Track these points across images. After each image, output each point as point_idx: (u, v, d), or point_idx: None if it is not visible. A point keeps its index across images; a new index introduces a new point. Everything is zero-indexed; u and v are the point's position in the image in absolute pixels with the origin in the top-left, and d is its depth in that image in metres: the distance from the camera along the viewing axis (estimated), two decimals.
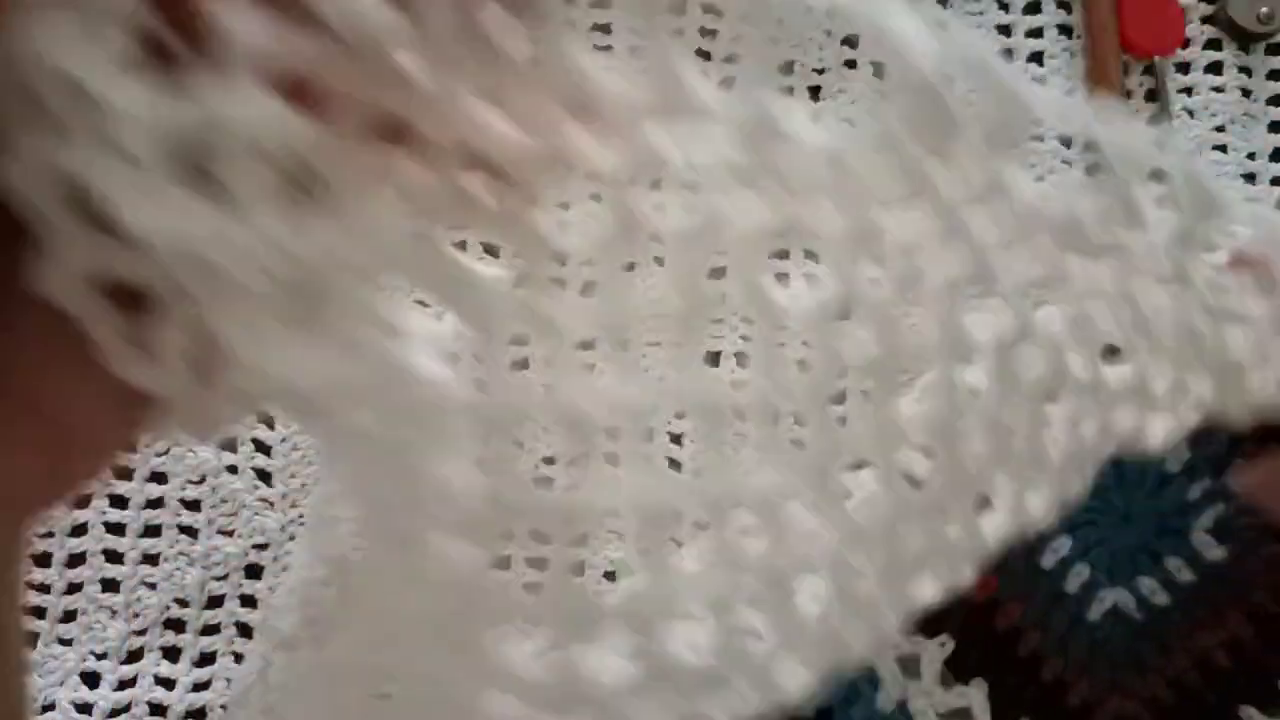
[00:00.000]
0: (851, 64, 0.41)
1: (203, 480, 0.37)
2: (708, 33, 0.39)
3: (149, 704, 0.35)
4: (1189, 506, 0.36)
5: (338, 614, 0.27)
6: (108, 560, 0.36)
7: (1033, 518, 0.22)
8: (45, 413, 0.19)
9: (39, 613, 0.36)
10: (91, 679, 0.35)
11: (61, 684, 0.35)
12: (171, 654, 0.35)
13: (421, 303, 0.18)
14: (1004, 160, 0.19)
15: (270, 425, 0.37)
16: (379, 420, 0.17)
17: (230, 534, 0.37)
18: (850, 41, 0.41)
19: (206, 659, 0.36)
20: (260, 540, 0.37)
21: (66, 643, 0.36)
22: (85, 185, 0.15)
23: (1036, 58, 0.42)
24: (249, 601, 0.36)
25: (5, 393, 0.18)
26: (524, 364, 0.19)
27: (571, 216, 0.18)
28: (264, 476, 0.37)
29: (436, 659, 0.20)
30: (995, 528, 0.22)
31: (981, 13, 0.42)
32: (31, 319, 0.18)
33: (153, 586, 0.35)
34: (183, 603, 0.36)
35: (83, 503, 0.37)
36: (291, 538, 0.37)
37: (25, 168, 0.15)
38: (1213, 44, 0.42)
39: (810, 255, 0.23)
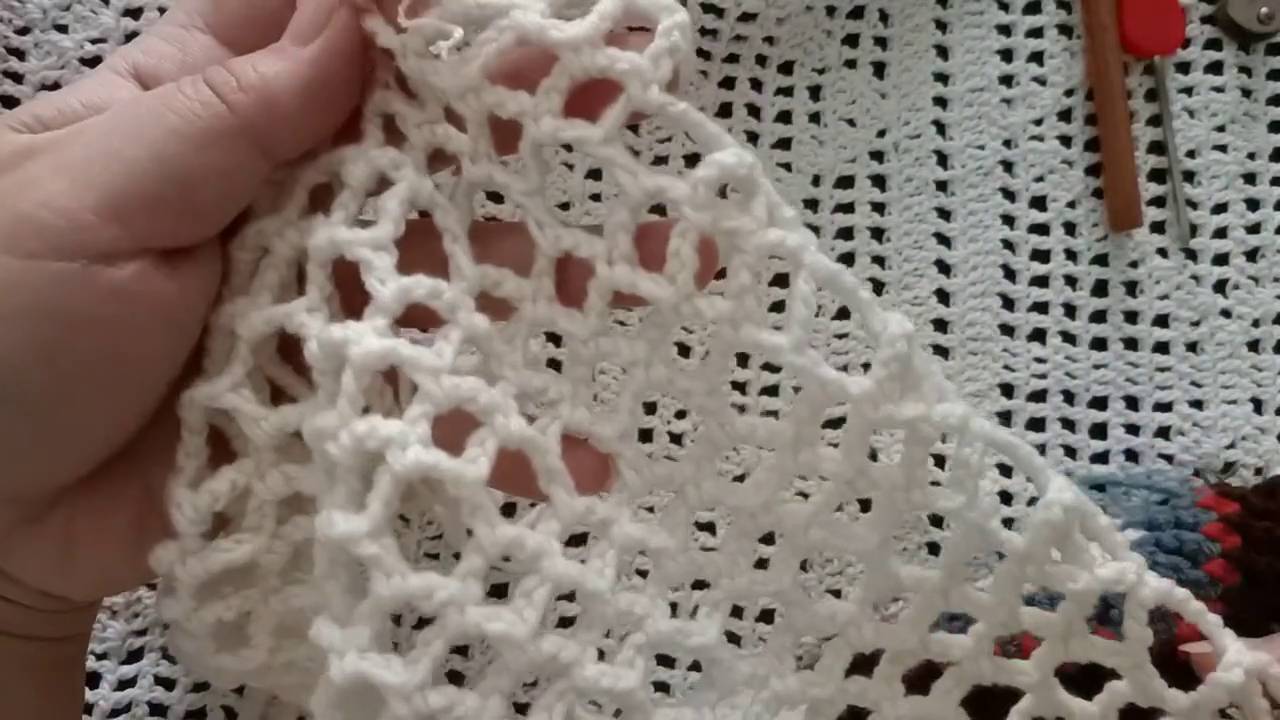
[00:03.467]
0: (851, 64, 0.41)
1: None
2: (708, 33, 0.39)
3: (149, 704, 0.35)
4: None
5: None
6: None
7: None
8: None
9: None
10: (91, 679, 0.35)
11: None
12: (171, 654, 0.35)
13: None
14: None
15: None
16: None
17: None
18: (850, 41, 0.41)
19: None
20: None
21: None
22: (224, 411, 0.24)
23: (1036, 58, 0.42)
24: None
25: (157, 502, 0.24)
26: None
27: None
28: None
29: None
30: None
31: (981, 13, 0.42)
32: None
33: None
34: None
35: None
36: None
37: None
38: (1213, 44, 0.42)
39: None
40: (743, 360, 0.38)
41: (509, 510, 0.34)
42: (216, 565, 0.23)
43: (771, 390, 0.38)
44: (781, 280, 0.38)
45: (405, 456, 0.21)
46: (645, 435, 0.38)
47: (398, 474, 0.21)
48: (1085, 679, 0.26)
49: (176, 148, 0.22)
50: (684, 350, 0.38)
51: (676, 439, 0.37)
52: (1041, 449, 0.39)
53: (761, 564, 0.26)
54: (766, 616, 0.37)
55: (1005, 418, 0.39)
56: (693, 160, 0.39)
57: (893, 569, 0.25)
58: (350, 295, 0.23)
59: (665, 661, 0.36)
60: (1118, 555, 0.25)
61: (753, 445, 0.25)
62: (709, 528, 0.37)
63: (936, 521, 0.37)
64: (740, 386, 0.38)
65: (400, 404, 0.23)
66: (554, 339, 0.37)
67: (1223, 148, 0.41)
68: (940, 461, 0.36)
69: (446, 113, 0.24)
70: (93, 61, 0.38)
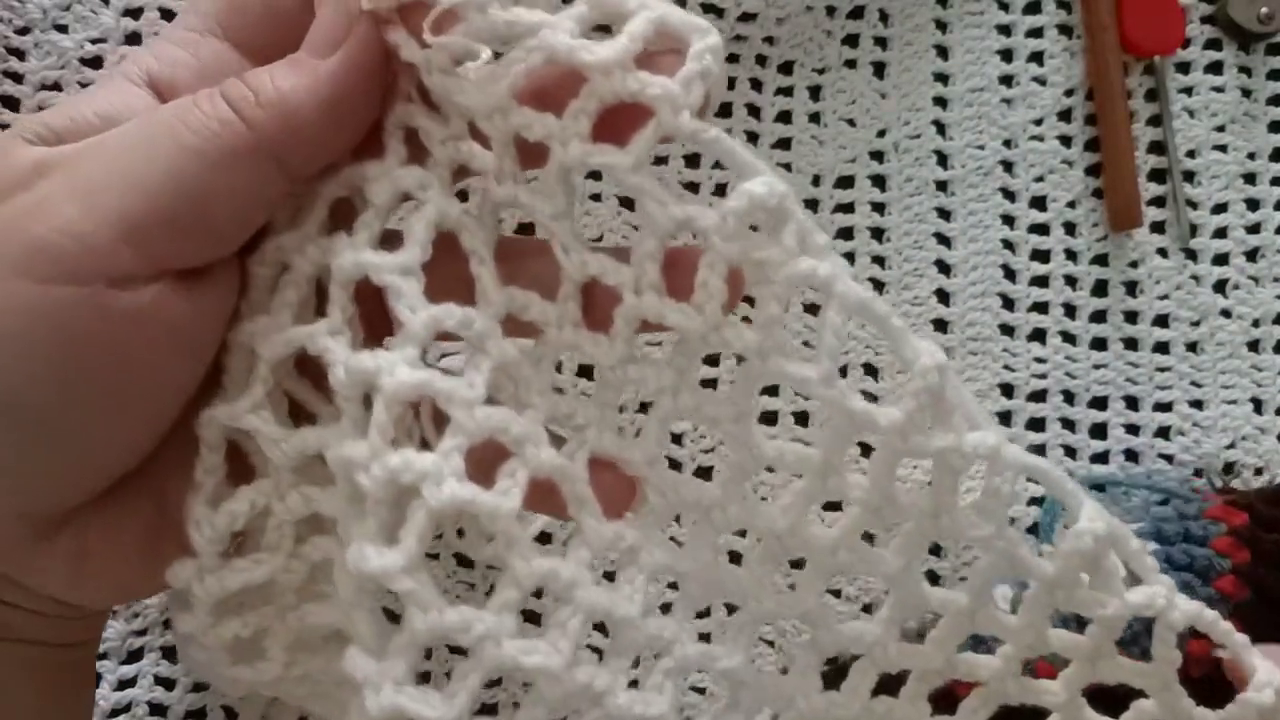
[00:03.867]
0: (851, 64, 0.41)
1: None
2: None
3: (149, 704, 0.35)
4: None
5: None
6: None
7: None
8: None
9: None
10: None
11: None
12: (171, 654, 0.35)
13: None
14: None
15: None
16: None
17: None
18: (850, 41, 0.41)
19: None
20: None
21: None
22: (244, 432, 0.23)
23: (1036, 58, 0.42)
24: None
25: (171, 513, 0.24)
26: None
27: None
28: None
29: None
30: None
31: (981, 13, 0.42)
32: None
33: None
34: None
35: None
36: None
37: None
38: (1213, 44, 0.42)
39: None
40: (772, 389, 0.38)
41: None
42: (234, 584, 0.23)
43: (802, 418, 0.38)
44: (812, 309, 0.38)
45: (440, 492, 0.21)
46: (673, 465, 0.38)
47: (433, 510, 0.21)
48: (1102, 695, 0.26)
49: (193, 168, 0.21)
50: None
51: (677, 439, 0.37)
52: (1041, 449, 0.39)
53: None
54: None
55: (1005, 418, 0.39)
56: (721, 188, 0.39)
57: (921, 591, 0.25)
58: (370, 313, 0.23)
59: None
60: (1147, 579, 0.24)
61: (780, 471, 0.24)
62: (736, 559, 0.38)
63: (935, 550, 0.37)
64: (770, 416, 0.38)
65: (421, 423, 0.23)
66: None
67: (1223, 148, 0.41)
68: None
69: (470, 128, 0.23)
70: (93, 61, 0.38)
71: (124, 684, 0.35)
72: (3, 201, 0.21)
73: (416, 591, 0.20)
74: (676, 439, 0.38)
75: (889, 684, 0.26)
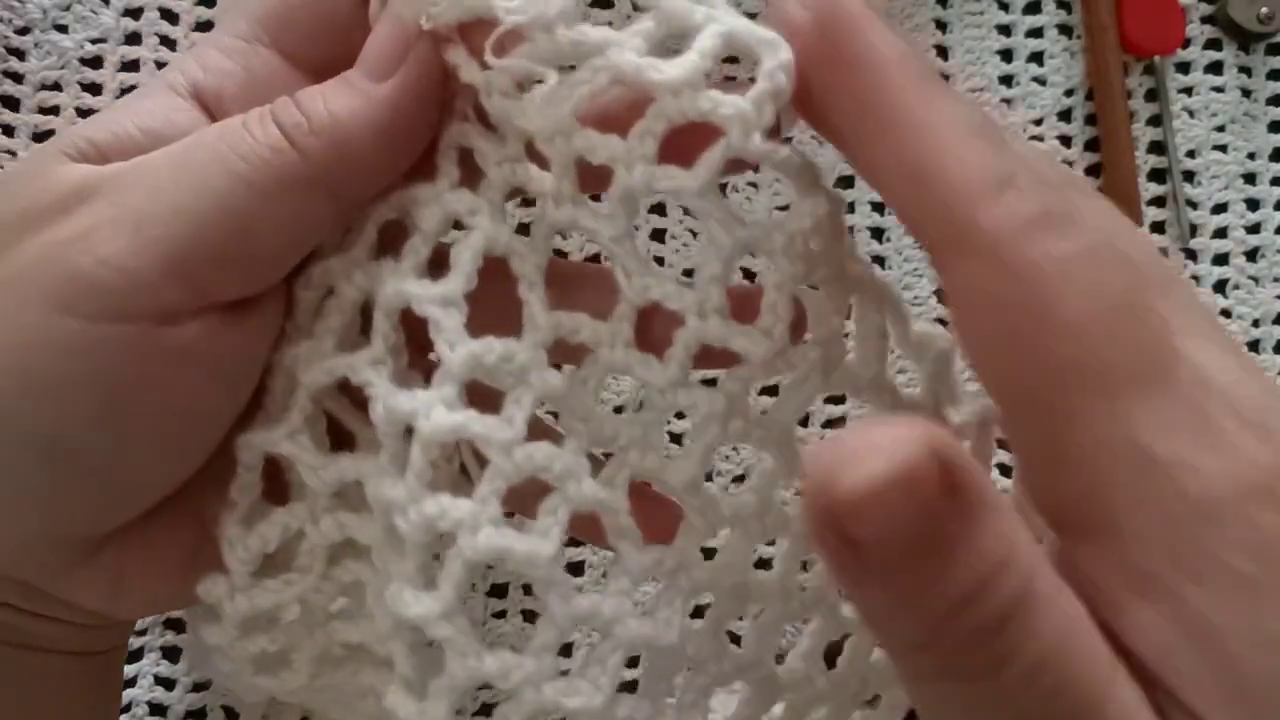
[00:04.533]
0: None
1: None
2: None
3: (149, 704, 0.35)
4: None
5: None
6: None
7: None
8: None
9: None
10: None
11: None
12: (171, 654, 0.35)
13: None
14: None
15: None
16: None
17: None
18: None
19: None
20: None
21: None
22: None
23: (1036, 58, 0.42)
24: None
25: (210, 529, 0.23)
26: None
27: None
28: None
29: None
30: None
31: (981, 13, 0.42)
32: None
33: None
34: None
35: None
36: None
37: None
38: (1213, 44, 0.42)
39: None
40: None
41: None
42: (264, 604, 0.23)
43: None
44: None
45: (477, 541, 0.20)
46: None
47: (469, 560, 0.20)
48: None
49: (243, 198, 0.20)
50: None
51: (677, 439, 0.37)
52: None
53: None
54: None
55: None
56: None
57: None
58: (421, 335, 0.22)
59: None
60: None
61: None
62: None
63: None
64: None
65: (461, 452, 0.23)
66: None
67: (1223, 148, 0.41)
68: None
69: (527, 148, 0.22)
70: (93, 61, 0.38)
71: (124, 684, 0.35)
72: (44, 225, 0.20)
73: (454, 638, 0.20)
74: (675, 439, 0.38)
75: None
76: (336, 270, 0.23)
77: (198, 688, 0.35)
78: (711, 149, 0.21)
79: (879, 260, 0.40)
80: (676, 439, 0.37)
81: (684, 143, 0.21)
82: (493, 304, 0.22)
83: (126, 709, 0.35)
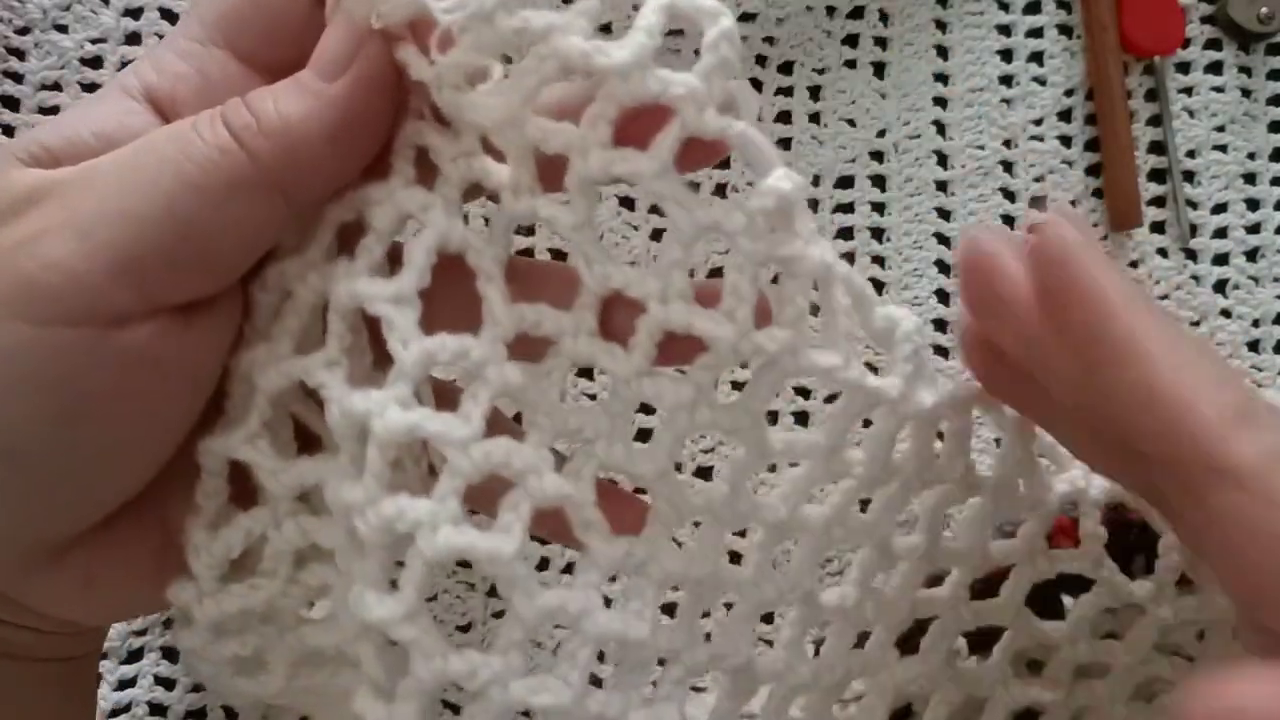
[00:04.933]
0: (851, 64, 0.41)
1: None
2: None
3: (149, 704, 0.35)
4: None
5: None
6: None
7: None
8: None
9: None
10: None
11: None
12: (171, 654, 0.35)
13: None
14: None
15: None
16: None
17: None
18: (850, 41, 0.41)
19: None
20: None
21: None
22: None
23: (1036, 58, 0.42)
24: None
25: (177, 533, 0.23)
26: None
27: None
28: None
29: None
30: None
31: (981, 13, 0.42)
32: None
33: None
34: None
35: None
36: None
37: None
38: (1213, 44, 0.42)
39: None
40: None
41: None
42: (231, 608, 0.23)
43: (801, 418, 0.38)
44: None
45: (436, 540, 0.20)
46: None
47: (429, 559, 0.20)
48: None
49: (193, 202, 0.20)
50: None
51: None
52: None
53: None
54: None
55: None
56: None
57: (891, 545, 0.26)
58: (381, 338, 0.22)
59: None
60: (1063, 465, 0.26)
61: (789, 460, 0.24)
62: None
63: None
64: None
65: (430, 452, 0.23)
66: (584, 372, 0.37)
67: (1223, 148, 0.41)
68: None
69: (483, 142, 0.22)
70: (93, 61, 0.38)
71: (124, 684, 0.35)
72: None
73: (419, 639, 0.20)
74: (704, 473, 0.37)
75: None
76: (291, 273, 0.23)
77: (198, 688, 0.35)
78: (666, 129, 0.21)
79: (879, 260, 0.40)
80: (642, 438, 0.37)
81: (642, 126, 0.21)
82: (456, 302, 0.22)
83: (126, 709, 0.35)
